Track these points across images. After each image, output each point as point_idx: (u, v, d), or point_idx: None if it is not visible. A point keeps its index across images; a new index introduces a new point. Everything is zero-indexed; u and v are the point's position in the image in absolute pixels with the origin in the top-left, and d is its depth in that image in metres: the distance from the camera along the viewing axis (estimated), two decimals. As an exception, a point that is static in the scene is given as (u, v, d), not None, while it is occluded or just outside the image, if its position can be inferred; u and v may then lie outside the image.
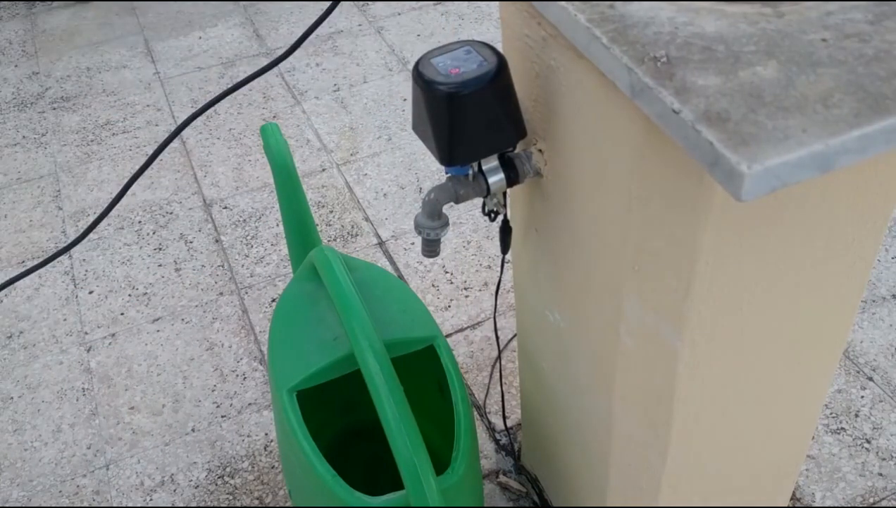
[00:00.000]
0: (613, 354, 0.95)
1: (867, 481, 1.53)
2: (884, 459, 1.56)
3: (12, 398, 1.80)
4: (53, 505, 1.60)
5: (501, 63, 0.84)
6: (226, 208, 2.25)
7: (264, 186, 2.31)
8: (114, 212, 2.22)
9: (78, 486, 1.62)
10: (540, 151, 0.95)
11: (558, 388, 1.21)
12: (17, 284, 2.02)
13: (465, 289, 1.96)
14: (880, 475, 1.54)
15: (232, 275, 2.05)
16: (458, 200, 0.96)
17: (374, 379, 0.99)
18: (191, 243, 2.15)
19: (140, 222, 2.23)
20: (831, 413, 1.65)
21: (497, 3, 1.04)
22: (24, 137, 2.58)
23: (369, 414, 1.00)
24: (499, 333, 1.81)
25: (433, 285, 1.97)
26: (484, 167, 0.93)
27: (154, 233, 2.19)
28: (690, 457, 1.02)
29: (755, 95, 0.61)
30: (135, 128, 2.58)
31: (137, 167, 1.26)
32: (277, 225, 2.17)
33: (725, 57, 0.65)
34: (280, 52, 1.13)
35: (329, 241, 2.13)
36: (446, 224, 1.00)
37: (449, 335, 1.85)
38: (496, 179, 0.94)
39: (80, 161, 2.46)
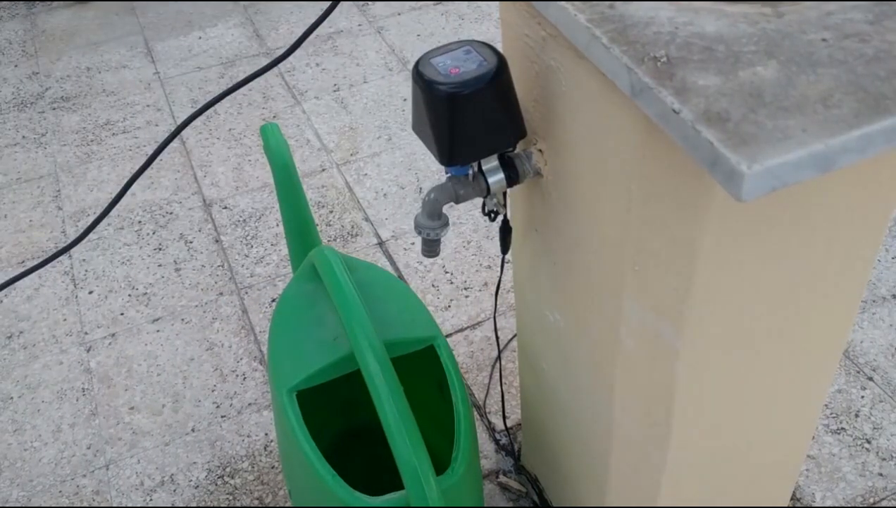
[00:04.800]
0: (613, 354, 0.95)
1: (867, 481, 1.53)
2: (884, 459, 1.56)
3: (12, 398, 1.80)
4: (53, 505, 1.60)
5: (501, 63, 0.84)
6: (226, 208, 2.25)
7: (264, 186, 2.31)
8: (114, 212, 2.22)
9: (78, 486, 1.62)
10: (540, 151, 0.95)
11: (558, 388, 1.21)
12: (17, 284, 2.02)
13: (465, 289, 1.96)
14: (880, 475, 1.54)
15: (232, 275, 2.05)
16: (458, 200, 0.96)
17: (374, 379, 0.99)
18: (191, 243, 2.15)
19: (140, 222, 2.23)
20: (831, 413, 1.65)
21: (497, 3, 1.04)
22: (23, 137, 2.58)
23: (369, 414, 1.00)
24: (499, 333, 1.81)
25: (433, 285, 1.97)
26: (484, 167, 0.93)
27: (154, 233, 2.19)
28: (690, 457, 1.02)
29: (755, 95, 0.61)
30: (135, 128, 2.58)
31: (137, 167, 1.26)
32: (277, 225, 2.17)
33: (725, 57, 0.65)
34: (280, 52, 1.13)
35: (329, 241, 2.13)
36: (446, 224, 1.00)
37: (449, 335, 1.85)
38: (496, 179, 0.94)
39: (79, 161, 2.46)
